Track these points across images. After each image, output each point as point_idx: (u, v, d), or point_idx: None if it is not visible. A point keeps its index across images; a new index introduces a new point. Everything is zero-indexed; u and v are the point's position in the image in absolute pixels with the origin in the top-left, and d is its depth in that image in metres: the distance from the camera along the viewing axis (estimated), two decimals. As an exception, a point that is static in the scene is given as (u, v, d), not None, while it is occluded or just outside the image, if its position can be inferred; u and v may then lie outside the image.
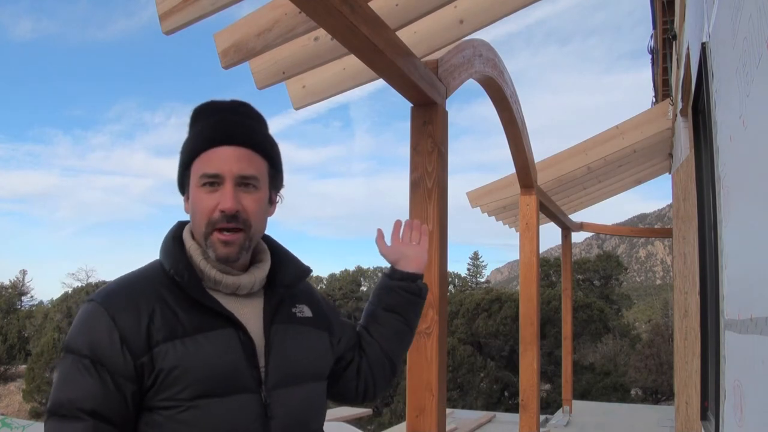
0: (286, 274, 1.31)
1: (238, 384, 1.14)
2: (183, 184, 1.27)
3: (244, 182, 1.20)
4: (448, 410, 7.04)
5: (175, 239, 1.25)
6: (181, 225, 1.30)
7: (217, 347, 1.14)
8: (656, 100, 6.56)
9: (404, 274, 1.45)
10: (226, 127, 1.22)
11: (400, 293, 1.45)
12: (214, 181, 1.19)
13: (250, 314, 1.23)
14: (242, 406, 1.14)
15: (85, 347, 1.11)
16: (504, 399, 20.47)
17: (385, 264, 1.55)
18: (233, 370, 1.14)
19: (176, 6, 2.36)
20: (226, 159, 1.19)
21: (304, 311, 1.32)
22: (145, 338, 1.11)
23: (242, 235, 1.20)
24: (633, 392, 20.64)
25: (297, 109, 3.51)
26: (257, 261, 1.29)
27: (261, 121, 1.30)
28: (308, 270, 1.37)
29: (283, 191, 1.35)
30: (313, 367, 1.29)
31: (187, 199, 1.26)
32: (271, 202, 1.31)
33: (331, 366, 1.37)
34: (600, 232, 9.99)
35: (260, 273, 1.26)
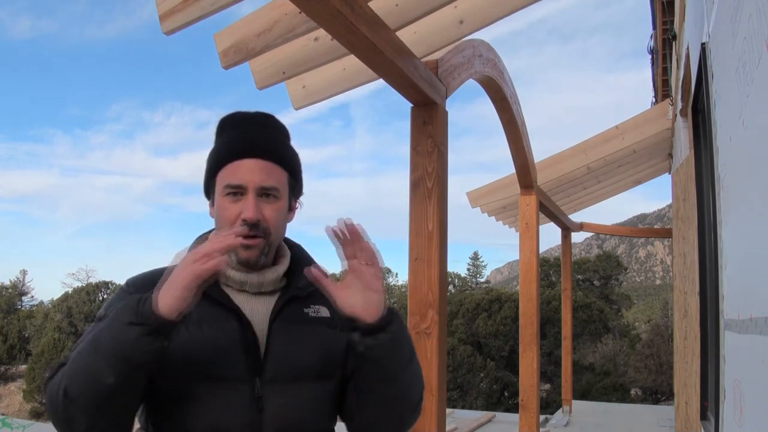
0: (300, 277, 1.33)
1: (231, 373, 1.19)
2: (209, 190, 1.35)
3: (265, 193, 1.28)
4: (448, 410, 7.03)
5: (200, 239, 1.36)
6: (212, 230, 1.38)
7: (217, 336, 1.21)
8: (656, 101, 6.58)
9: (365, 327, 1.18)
10: (251, 140, 1.30)
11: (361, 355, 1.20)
12: (237, 192, 1.27)
13: (261, 311, 1.28)
14: (233, 394, 1.19)
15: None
16: (504, 399, 20.46)
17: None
18: (228, 359, 1.20)
19: (176, 6, 2.37)
20: (249, 171, 1.27)
21: (320, 311, 1.34)
22: None
23: (262, 241, 1.27)
24: (633, 392, 20.64)
25: (297, 109, 3.52)
26: (276, 264, 1.35)
27: (284, 133, 1.38)
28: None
29: (302, 198, 1.42)
30: (318, 366, 1.28)
31: (212, 205, 1.34)
32: (291, 209, 1.38)
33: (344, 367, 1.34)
34: (600, 232, 9.99)
35: (271, 274, 1.31)
